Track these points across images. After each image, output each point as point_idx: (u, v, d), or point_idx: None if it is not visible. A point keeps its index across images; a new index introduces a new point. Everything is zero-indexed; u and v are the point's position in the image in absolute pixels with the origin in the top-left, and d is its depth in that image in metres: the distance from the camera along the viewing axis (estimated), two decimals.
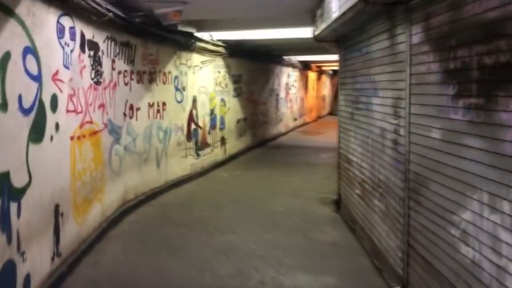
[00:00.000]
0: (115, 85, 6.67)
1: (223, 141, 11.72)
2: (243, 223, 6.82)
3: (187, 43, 9.11)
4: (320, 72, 27.08)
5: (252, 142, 14.37)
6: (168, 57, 8.68)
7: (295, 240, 6.12)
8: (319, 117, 27.57)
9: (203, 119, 10.38)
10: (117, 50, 6.74)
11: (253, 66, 14.09)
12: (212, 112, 10.92)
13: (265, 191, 8.81)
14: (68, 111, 4.92)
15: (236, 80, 12.60)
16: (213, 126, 11.02)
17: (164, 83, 8.50)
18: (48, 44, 4.41)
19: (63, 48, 4.77)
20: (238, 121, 12.98)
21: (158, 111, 8.28)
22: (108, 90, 6.40)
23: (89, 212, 5.62)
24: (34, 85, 4.05)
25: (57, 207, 4.59)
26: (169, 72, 8.69)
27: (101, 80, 6.11)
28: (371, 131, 5.39)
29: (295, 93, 20.93)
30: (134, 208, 7.38)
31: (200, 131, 10.21)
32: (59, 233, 4.64)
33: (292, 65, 19.22)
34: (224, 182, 9.68)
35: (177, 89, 9.03)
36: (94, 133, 5.81)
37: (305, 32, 8.34)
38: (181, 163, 9.32)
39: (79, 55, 5.30)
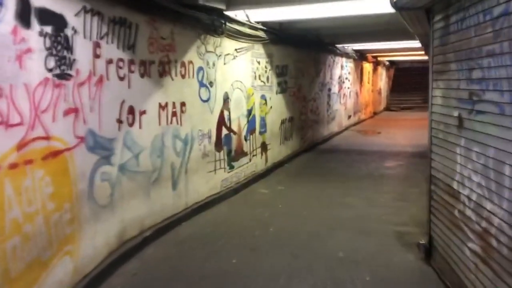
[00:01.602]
0: (101, 80, 4.62)
1: (264, 147, 9.52)
2: (286, 283, 4.59)
3: (214, 24, 6.96)
4: (376, 63, 24.30)
5: (300, 146, 12.08)
6: (189, 42, 6.57)
7: None
8: (375, 113, 24.81)
9: (238, 122, 8.22)
10: (105, 30, 4.68)
11: (301, 56, 11.78)
12: (249, 112, 8.73)
13: (318, 220, 6.53)
14: None
15: (280, 72, 10.35)
16: (251, 130, 8.84)
17: (183, 76, 6.40)
18: None
19: None
20: (283, 122, 10.73)
21: (174, 114, 6.19)
22: (87, 87, 4.35)
23: (41, 281, 3.58)
24: None
25: None
26: (190, 62, 6.59)
27: (71, 72, 4.06)
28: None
29: (349, 87, 18.39)
30: (137, 249, 5.33)
31: (234, 137, 8.06)
32: None
33: (347, 55, 16.70)
34: (264, 204, 7.48)
35: (202, 84, 6.92)
36: (53, 154, 3.76)
37: (378, 4, 6.00)
38: (208, 180, 7.21)
39: (15, 31, 3.25)
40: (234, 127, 8.05)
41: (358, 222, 6.43)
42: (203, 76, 6.95)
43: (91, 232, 4.43)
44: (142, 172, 5.50)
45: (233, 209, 7.19)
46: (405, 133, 16.86)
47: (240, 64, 8.25)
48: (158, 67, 5.80)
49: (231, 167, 7.99)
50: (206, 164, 7.12)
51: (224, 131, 7.70)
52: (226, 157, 7.77)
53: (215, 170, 7.39)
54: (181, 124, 6.37)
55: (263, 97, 9.39)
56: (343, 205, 7.32)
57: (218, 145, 7.50)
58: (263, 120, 9.43)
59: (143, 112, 5.48)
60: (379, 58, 23.46)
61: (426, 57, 24.38)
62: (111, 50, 4.82)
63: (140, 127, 5.42)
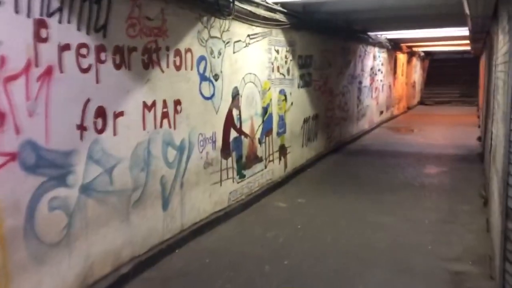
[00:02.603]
0: (49, 73, 3.38)
1: (282, 151, 8.18)
2: None
3: (218, 3, 5.64)
4: (411, 54, 22.51)
5: (326, 147, 10.69)
6: (186, 25, 5.28)
7: None
8: (408, 108, 23.07)
9: (251, 122, 6.92)
10: (57, 4, 3.43)
11: (328, 45, 10.35)
12: (265, 110, 7.41)
13: (345, 250, 5.17)
14: None
15: (303, 63, 8.96)
16: (267, 131, 7.51)
17: (177, 68, 5.12)
18: None
19: None
20: (306, 120, 9.35)
21: (165, 115, 4.94)
22: (22, 82, 3.12)
23: None
24: None
25: None
26: (188, 51, 5.30)
27: None
28: None
29: (382, 79, 16.79)
30: None
31: (245, 140, 6.76)
32: None
33: (379, 44, 15.12)
34: (280, 222, 6.16)
35: (203, 77, 5.63)
36: None
37: None
38: (212, 194, 5.95)
39: None
40: (246, 128, 6.75)
41: (397, 253, 5.04)
42: (205, 68, 5.66)
43: (31, 282, 3.22)
44: (117, 191, 4.27)
45: (241, 230, 5.90)
46: (444, 131, 15.20)
47: (254, 53, 6.92)
48: (142, 56, 4.54)
49: (242, 176, 6.71)
50: (209, 175, 5.85)
51: (233, 134, 6.41)
52: (235, 165, 6.49)
53: (220, 181, 6.12)
54: (174, 128, 5.11)
55: (282, 92, 8.04)
56: (377, 226, 5.92)
57: (225, 150, 6.22)
58: (281, 119, 8.09)
59: (119, 114, 4.24)
60: (414, 49, 21.68)
61: (466, 47, 22.47)
62: (68, 32, 3.58)
63: (114, 133, 4.19)
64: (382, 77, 16.78)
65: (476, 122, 17.65)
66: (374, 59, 15.23)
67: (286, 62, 8.11)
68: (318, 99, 9.98)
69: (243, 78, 6.59)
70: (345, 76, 12.10)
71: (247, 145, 6.81)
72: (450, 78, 27.67)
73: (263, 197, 7.23)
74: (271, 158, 7.70)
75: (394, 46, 17.40)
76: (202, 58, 5.58)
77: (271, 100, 7.59)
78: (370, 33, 13.20)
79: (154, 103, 4.75)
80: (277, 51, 7.71)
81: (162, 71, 4.86)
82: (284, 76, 8.08)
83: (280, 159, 8.08)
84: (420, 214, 6.38)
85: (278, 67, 7.78)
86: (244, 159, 6.74)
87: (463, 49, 23.83)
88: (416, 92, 26.00)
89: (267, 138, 7.52)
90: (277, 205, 7.00)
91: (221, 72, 6.01)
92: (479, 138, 12.39)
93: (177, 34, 5.10)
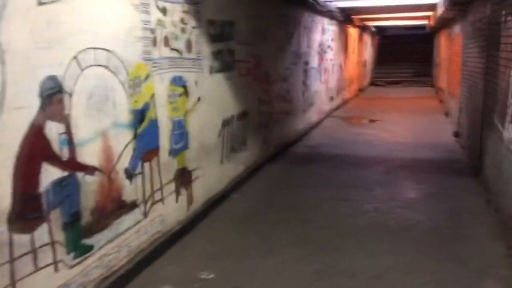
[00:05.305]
0: None
1: (183, 178, 4.96)
2: None
3: None
4: (362, 29, 19.77)
5: (261, 155, 7.59)
6: None
7: None
8: (360, 90, 20.43)
9: (103, 142, 3.61)
10: None
11: (259, 8, 7.15)
12: (140, 116, 4.11)
13: None
14: None
15: (219, 34, 5.71)
16: (146, 152, 4.24)
17: None
18: None
19: None
20: (227, 122, 6.16)
21: None
22: None
23: None
24: None
25: None
26: None
27: None
28: None
29: (332, 58, 13.85)
30: None
31: (89, 180, 3.46)
32: None
33: (329, 14, 12.10)
34: None
35: None
36: None
37: None
38: None
39: None
40: (90, 156, 3.46)
41: None
42: None
43: None
44: None
45: None
46: (408, 120, 12.52)
47: (105, 8, 3.60)
48: None
49: (83, 251, 3.44)
50: None
51: (53, 174, 3.10)
52: (62, 235, 3.21)
53: (12, 282, 2.84)
54: None
55: (178, 81, 4.77)
56: None
57: (28, 213, 2.92)
58: (179, 126, 4.84)
59: None
60: (366, 22, 18.92)
61: (423, 21, 19.99)
62: None
63: None
64: (333, 56, 13.83)
65: (438, 106, 15.16)
66: (323, 33, 12.20)
67: (183, 30, 4.83)
68: (246, 88, 6.80)
69: (75, 57, 3.25)
70: (287, 54, 8.98)
71: (94, 187, 3.53)
72: (402, 56, 25.36)
73: (137, 272, 4.02)
74: (157, 196, 4.46)
75: (346, 18, 14.47)
76: None
77: (153, 96, 4.31)
78: None
79: None
80: (163, 10, 4.41)
81: None
82: (181, 54, 4.81)
83: (178, 192, 4.86)
84: None
85: (166, 39, 4.49)
86: (87, 217, 3.46)
87: (418, 24, 21.44)
88: (367, 72, 23.45)
89: (147, 164, 4.27)
90: None
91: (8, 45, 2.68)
92: (455, 134, 9.73)
93: None
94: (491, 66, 5.92)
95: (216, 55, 5.65)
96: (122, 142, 3.87)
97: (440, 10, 10.99)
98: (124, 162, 3.91)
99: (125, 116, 3.89)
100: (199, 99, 5.24)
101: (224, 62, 5.89)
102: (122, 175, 3.88)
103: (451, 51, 12.41)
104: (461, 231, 4.95)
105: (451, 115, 11.70)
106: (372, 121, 12.58)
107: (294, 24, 9.35)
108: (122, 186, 3.90)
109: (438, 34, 18.67)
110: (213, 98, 5.63)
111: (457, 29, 10.98)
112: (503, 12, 5.26)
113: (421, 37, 24.51)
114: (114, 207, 3.79)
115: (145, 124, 4.19)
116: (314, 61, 11.36)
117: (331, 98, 14.03)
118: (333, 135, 10.56)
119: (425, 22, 19.51)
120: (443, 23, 14.17)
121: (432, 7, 12.78)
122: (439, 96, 16.89)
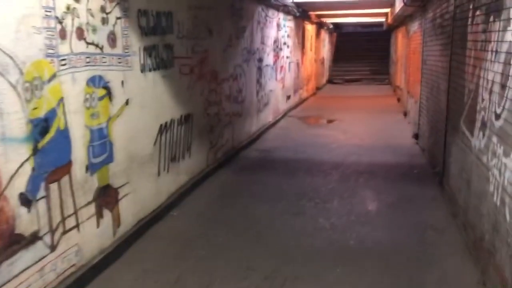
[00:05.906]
0: None
1: (107, 197, 4.15)
2: None
3: None
4: (319, 26, 19.31)
5: (208, 163, 6.84)
6: None
7: None
8: (317, 89, 19.98)
9: None
10: None
11: None
12: (42, 126, 3.29)
13: None
14: None
15: (152, 27, 4.92)
16: (52, 172, 3.42)
17: None
18: None
19: None
20: (165, 128, 5.37)
21: None
22: None
23: None
24: None
25: None
26: None
27: None
28: None
29: (289, 56, 13.24)
30: None
31: None
32: None
33: (285, 9, 11.47)
34: None
35: None
36: None
37: None
38: None
39: None
40: None
41: None
42: None
43: None
44: None
45: None
46: (366, 121, 12.07)
47: None
48: None
49: None
50: None
51: None
52: None
53: None
54: None
55: (97, 82, 3.96)
56: None
57: None
58: (100, 136, 4.03)
59: None
60: (323, 19, 18.46)
61: (380, 19, 19.76)
62: None
63: None
64: (289, 53, 13.22)
65: (396, 105, 14.87)
66: (278, 29, 11.56)
67: (104, 21, 4.01)
68: (189, 88, 6.03)
69: None
70: (238, 51, 8.26)
71: None
72: (360, 54, 25.17)
73: None
74: (70, 223, 3.64)
75: (302, 14, 13.90)
76: None
77: (61, 101, 3.48)
78: None
79: None
80: None
81: None
82: (102, 49, 3.99)
83: (100, 215, 4.06)
84: None
85: (80, 31, 3.67)
86: None
87: (375, 21, 21.24)
88: (325, 70, 23.07)
89: (54, 184, 3.44)
90: None
91: None
92: (415, 136, 9.32)
93: None
94: (456, 66, 5.42)
95: (150, 51, 4.86)
96: (15, 161, 3.04)
97: (398, 7, 10.57)
98: (19, 186, 3.08)
99: (18, 127, 3.05)
100: (127, 102, 4.44)
101: (160, 59, 5.10)
102: (14, 202, 3.06)
103: (409, 48, 12.06)
104: (427, 251, 4.41)
105: (409, 115, 11.35)
106: (329, 121, 12.07)
107: (246, 18, 8.64)
108: (15, 216, 3.07)
109: (396, 31, 18.44)
110: (146, 101, 4.85)
111: (415, 26, 10.59)
112: (470, 7, 4.74)
113: (378, 34, 24.42)
114: (2, 244, 2.96)
115: (50, 136, 3.37)
116: (269, 59, 10.70)
117: (288, 97, 13.44)
118: (289, 137, 9.94)
119: (382, 19, 19.30)
120: (401, 21, 13.85)
121: (390, 3, 12.42)
122: (397, 94, 16.64)
